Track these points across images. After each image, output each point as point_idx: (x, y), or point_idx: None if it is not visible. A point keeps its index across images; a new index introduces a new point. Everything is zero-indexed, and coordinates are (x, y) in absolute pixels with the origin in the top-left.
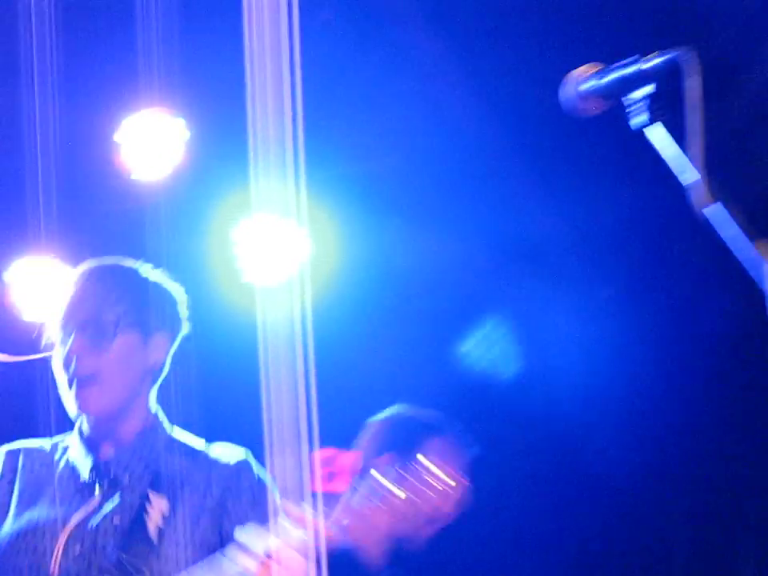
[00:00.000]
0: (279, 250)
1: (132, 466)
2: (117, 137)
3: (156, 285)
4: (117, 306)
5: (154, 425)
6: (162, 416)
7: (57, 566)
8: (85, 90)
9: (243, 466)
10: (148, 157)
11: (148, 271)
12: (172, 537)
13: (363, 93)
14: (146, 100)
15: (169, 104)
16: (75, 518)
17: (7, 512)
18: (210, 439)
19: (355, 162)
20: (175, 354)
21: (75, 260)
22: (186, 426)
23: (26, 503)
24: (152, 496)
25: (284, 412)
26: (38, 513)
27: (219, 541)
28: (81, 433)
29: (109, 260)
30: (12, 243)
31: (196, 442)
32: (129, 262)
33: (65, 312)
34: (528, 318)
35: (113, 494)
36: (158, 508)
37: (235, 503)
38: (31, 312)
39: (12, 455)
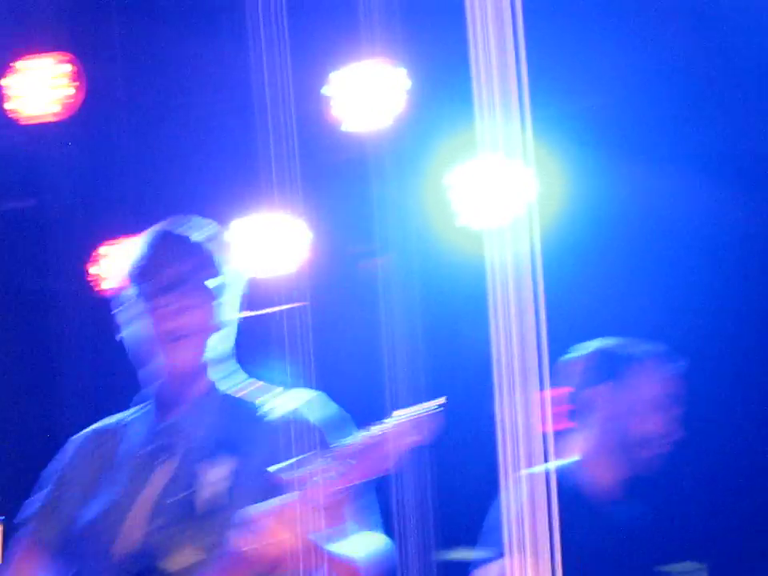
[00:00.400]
0: (506, 190)
1: (190, 432)
2: (331, 89)
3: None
4: (198, 268)
5: (214, 388)
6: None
7: (120, 544)
8: (309, 44)
9: (293, 417)
10: (370, 108)
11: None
12: (221, 505)
13: (585, 27)
14: (368, 51)
15: (390, 55)
16: (137, 493)
17: (75, 497)
18: (439, 382)
19: (580, 98)
20: (398, 299)
21: (306, 213)
22: (413, 371)
23: (90, 484)
24: (204, 464)
25: (514, 352)
26: (102, 492)
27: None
28: (152, 400)
29: (176, 225)
30: (241, 199)
31: (258, 398)
32: (196, 228)
33: (147, 275)
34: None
35: (172, 464)
36: (209, 476)
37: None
38: (266, 270)
39: (78, 440)
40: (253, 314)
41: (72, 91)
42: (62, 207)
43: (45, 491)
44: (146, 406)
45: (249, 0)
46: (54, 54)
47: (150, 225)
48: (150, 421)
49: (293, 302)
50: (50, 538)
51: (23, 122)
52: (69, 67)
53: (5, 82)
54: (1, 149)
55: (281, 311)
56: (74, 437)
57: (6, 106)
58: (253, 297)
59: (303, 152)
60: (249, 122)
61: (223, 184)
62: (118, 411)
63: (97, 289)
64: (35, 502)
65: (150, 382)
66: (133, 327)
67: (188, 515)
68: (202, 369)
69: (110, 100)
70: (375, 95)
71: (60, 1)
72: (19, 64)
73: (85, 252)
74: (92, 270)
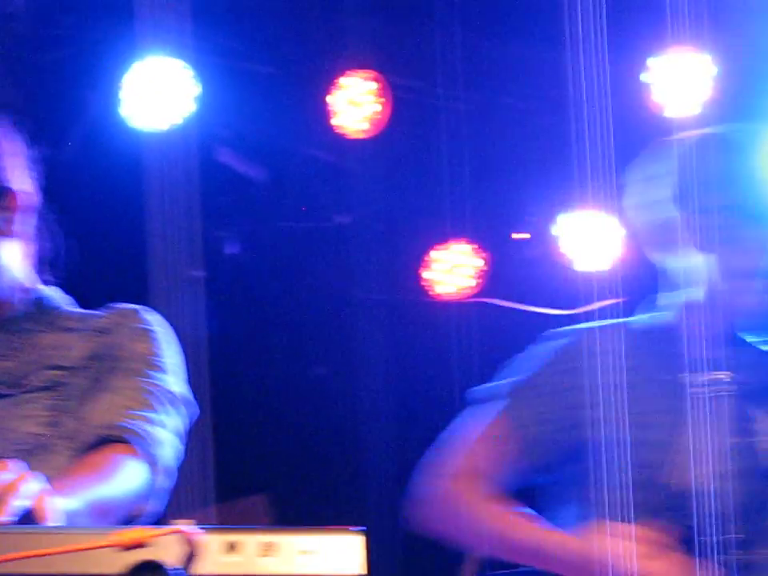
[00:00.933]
0: None
1: (738, 372)
2: (649, 76)
3: None
4: None
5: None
6: None
7: (675, 479)
8: (618, 31)
9: None
10: (680, 94)
11: None
12: None
13: None
14: (675, 39)
15: (696, 42)
16: (681, 424)
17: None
18: None
19: None
20: None
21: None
22: None
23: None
24: (761, 411)
25: None
26: (642, 412)
27: None
28: (667, 321)
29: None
30: (559, 197)
31: None
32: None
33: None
34: None
35: (721, 401)
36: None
37: None
38: (582, 264)
39: (562, 342)
40: (567, 312)
41: (380, 108)
42: (380, 220)
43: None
44: (655, 323)
45: None
46: (362, 71)
47: (476, 227)
48: (667, 345)
49: (607, 299)
50: (528, 424)
51: (345, 138)
52: (375, 84)
53: (329, 98)
54: (320, 165)
55: (595, 309)
56: (548, 337)
57: (332, 122)
58: (567, 294)
59: (618, 144)
60: (564, 117)
61: (541, 183)
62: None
63: (430, 293)
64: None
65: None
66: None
67: (748, 465)
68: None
69: (421, 111)
70: (682, 82)
71: (370, 18)
72: (341, 81)
73: (405, 260)
74: (425, 274)
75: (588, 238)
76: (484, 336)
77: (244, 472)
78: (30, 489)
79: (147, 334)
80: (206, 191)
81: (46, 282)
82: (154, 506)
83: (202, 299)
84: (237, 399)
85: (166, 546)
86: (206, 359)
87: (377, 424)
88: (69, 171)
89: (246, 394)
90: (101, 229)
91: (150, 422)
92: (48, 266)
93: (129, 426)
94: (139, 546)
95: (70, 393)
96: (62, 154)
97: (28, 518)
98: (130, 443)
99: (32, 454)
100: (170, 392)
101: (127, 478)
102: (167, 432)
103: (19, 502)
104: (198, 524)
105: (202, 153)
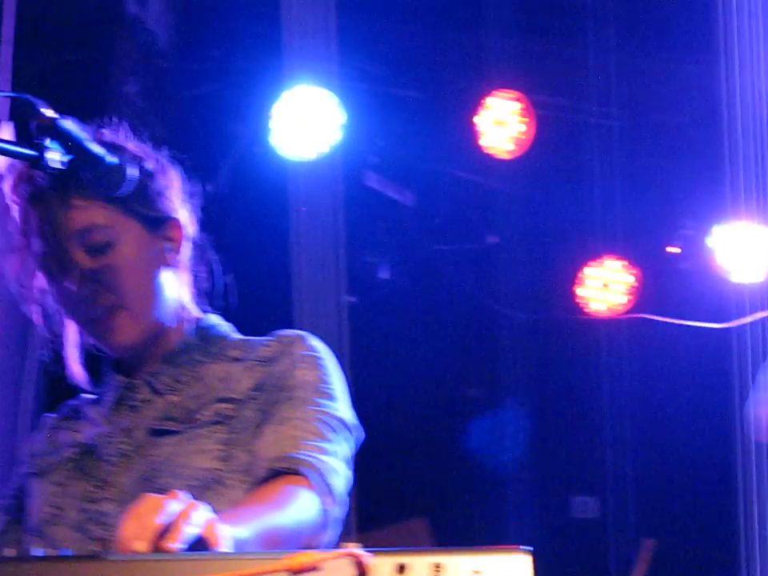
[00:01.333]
0: None
1: None
2: None
3: None
4: None
5: None
6: None
7: None
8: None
9: None
10: None
11: None
12: None
13: None
14: None
15: None
16: None
17: None
18: None
19: None
20: None
21: None
22: None
23: None
24: None
25: None
26: None
27: None
28: None
29: None
30: (712, 209)
31: None
32: None
33: None
34: None
35: None
36: None
37: None
38: (737, 275)
39: None
40: (723, 325)
41: (524, 127)
42: (529, 239)
43: None
44: None
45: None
46: (505, 91)
47: (628, 243)
48: None
49: (763, 310)
50: None
51: (493, 158)
52: (519, 104)
53: (476, 119)
54: (468, 186)
55: (753, 321)
56: None
57: (479, 142)
58: (722, 307)
59: None
60: (716, 129)
61: (694, 196)
62: None
63: (584, 310)
64: None
65: None
66: None
67: None
68: None
69: (567, 129)
70: None
71: (513, 38)
72: (486, 101)
73: (556, 279)
74: (579, 291)
75: (742, 250)
76: (638, 352)
77: (387, 497)
78: (200, 516)
79: (315, 360)
80: (355, 218)
81: (205, 312)
82: (329, 537)
83: (346, 323)
84: (383, 421)
85: (336, 569)
86: (353, 380)
87: (522, 444)
88: (219, 202)
89: (393, 415)
90: (250, 257)
91: (323, 451)
92: (207, 295)
93: (301, 457)
94: (310, 569)
95: (239, 426)
96: (213, 186)
97: (198, 545)
98: (302, 474)
99: (207, 488)
100: (340, 419)
101: (299, 509)
102: (339, 461)
103: (190, 529)
104: (366, 546)
105: (350, 179)
